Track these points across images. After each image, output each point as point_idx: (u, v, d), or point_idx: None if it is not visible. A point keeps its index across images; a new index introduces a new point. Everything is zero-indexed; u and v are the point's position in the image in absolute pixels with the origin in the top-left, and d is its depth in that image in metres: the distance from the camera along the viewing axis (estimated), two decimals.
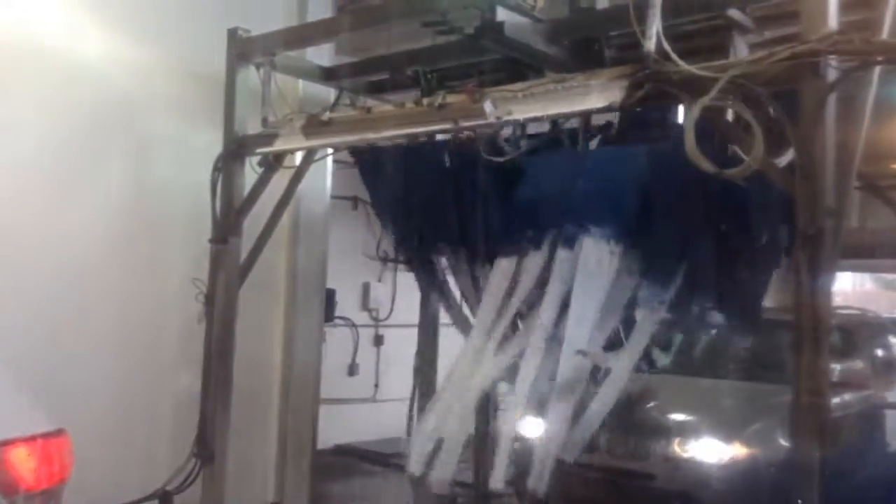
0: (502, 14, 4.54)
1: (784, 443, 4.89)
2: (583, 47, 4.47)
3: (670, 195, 4.09)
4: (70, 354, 4.96)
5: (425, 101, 3.93)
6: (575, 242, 4.21)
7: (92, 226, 5.15)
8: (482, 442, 5.62)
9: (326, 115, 4.31)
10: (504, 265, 4.47)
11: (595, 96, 3.54)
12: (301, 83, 6.01)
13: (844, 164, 3.26)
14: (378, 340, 9.07)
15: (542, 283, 4.31)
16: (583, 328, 4.06)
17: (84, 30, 5.08)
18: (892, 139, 4.14)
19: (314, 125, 4.36)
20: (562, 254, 4.24)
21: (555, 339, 4.14)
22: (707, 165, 3.21)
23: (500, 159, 4.19)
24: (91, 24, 5.11)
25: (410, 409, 6.07)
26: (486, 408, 5.22)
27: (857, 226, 7.34)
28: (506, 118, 3.69)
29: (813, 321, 3.07)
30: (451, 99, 3.86)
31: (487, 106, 3.66)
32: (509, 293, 4.40)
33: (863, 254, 7.34)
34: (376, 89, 5.72)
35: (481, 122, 3.71)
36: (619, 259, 4.07)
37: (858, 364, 6.23)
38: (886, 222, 6.63)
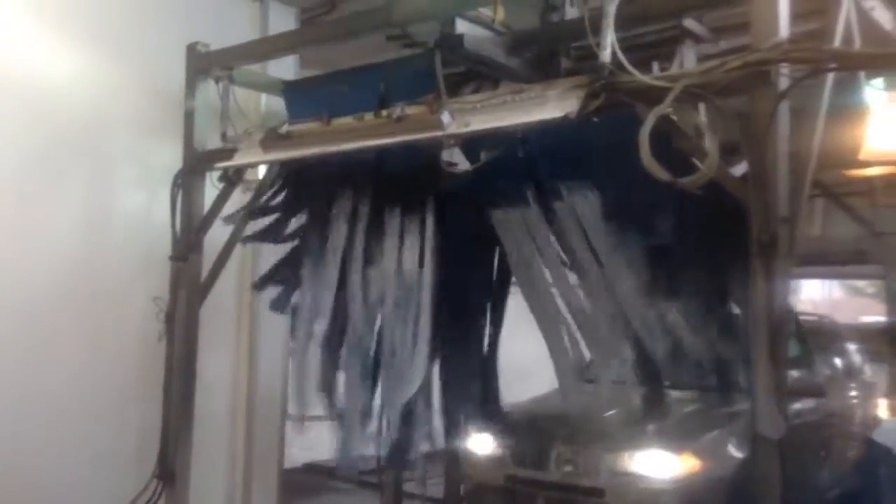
0: (463, 27, 4.56)
1: (738, 454, 4.88)
2: (543, 59, 4.48)
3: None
4: (33, 375, 4.86)
5: (384, 112, 3.90)
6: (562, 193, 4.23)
7: (53, 245, 5.05)
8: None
9: (284, 129, 4.26)
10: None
11: (552, 106, 3.53)
12: (264, 97, 5.98)
13: (799, 172, 3.28)
14: None
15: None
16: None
17: (44, 49, 5.01)
18: (847, 147, 4.17)
19: (272, 139, 4.32)
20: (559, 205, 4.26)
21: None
22: (662, 174, 3.21)
23: (458, 170, 4.16)
24: (51, 43, 5.04)
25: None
26: None
27: (819, 234, 7.45)
28: (463, 129, 3.67)
29: (769, 328, 3.07)
30: (410, 111, 3.84)
31: (445, 117, 3.64)
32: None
33: (826, 261, 7.46)
34: None
35: (438, 133, 3.69)
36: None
37: (814, 371, 6.23)
38: (848, 230, 6.74)
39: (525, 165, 4.42)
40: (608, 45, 3.41)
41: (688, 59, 3.97)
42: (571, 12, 4.47)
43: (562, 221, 4.33)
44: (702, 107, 3.55)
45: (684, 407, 5.45)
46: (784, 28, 3.13)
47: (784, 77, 3.08)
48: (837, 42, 3.45)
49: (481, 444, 5.46)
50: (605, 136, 3.82)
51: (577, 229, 4.24)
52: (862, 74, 3.88)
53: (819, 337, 6.72)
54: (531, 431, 5.44)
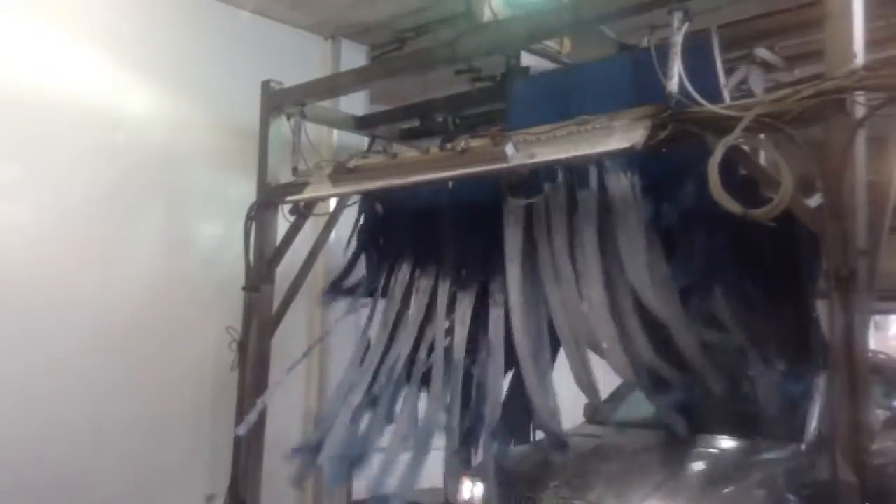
0: (529, 59, 4.59)
1: None
2: None
3: None
4: (111, 400, 5.05)
5: (449, 145, 3.93)
6: (589, 178, 3.91)
7: (131, 275, 5.26)
8: None
9: (353, 163, 4.34)
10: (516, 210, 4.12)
11: (618, 137, 3.49)
12: (336, 132, 6.12)
13: (878, 203, 3.15)
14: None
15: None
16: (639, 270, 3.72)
17: (123, 86, 5.27)
18: None
19: (341, 172, 4.40)
20: (582, 194, 3.95)
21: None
22: (733, 206, 3.13)
23: (524, 202, 4.08)
24: (130, 81, 5.30)
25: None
26: None
27: None
28: (527, 161, 3.66)
29: (848, 366, 2.93)
30: (475, 143, 3.86)
31: (509, 149, 3.64)
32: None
33: None
34: (409, 136, 5.79)
35: (503, 165, 3.69)
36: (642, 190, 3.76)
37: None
38: None
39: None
40: (675, 75, 3.37)
41: (756, 86, 3.87)
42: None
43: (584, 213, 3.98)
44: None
45: (710, 453, 4.66)
46: (859, 55, 3.02)
47: (860, 105, 2.97)
48: None
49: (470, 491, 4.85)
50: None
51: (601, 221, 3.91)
52: None
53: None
54: (520, 479, 4.66)
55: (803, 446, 4.53)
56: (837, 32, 3.08)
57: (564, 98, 4.09)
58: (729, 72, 3.82)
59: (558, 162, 3.73)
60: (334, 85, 5.42)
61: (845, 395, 2.94)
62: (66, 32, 5.04)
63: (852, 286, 2.92)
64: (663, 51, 3.46)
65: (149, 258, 5.38)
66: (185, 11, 5.57)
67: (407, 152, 4.18)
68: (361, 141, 6.13)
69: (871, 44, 3.10)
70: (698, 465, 4.56)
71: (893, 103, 3.05)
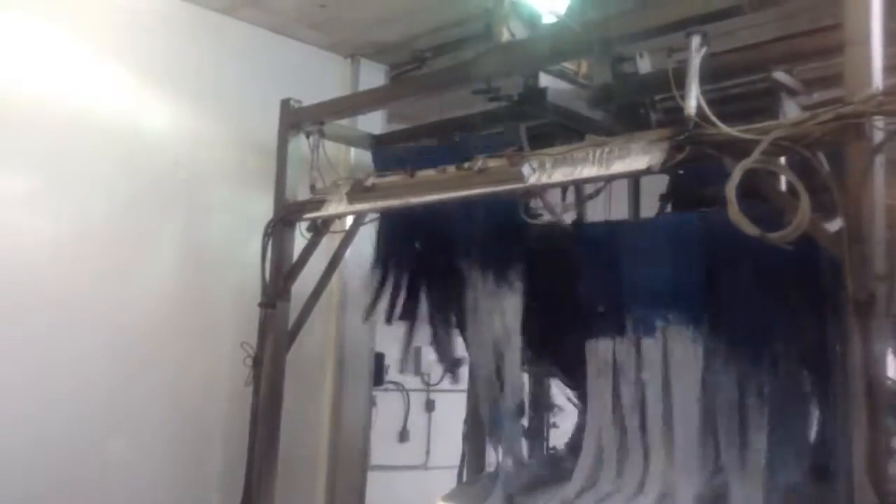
0: (546, 80, 4.61)
1: None
2: (627, 111, 4.46)
3: (735, 261, 3.78)
4: (125, 412, 5.08)
5: (466, 165, 3.95)
6: (655, 330, 3.91)
7: (147, 290, 5.31)
8: None
9: (370, 181, 4.36)
10: (600, 349, 4.13)
11: (635, 158, 3.49)
12: (353, 150, 6.16)
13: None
14: (429, 405, 8.97)
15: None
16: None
17: (142, 101, 5.34)
18: None
19: (358, 190, 4.42)
20: (646, 342, 3.95)
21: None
22: (751, 228, 3.12)
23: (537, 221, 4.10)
24: (149, 97, 5.37)
25: (459, 477, 5.93)
26: None
27: None
28: (544, 181, 3.67)
29: (868, 394, 2.90)
30: (492, 163, 3.87)
31: (525, 169, 3.65)
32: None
33: None
34: None
35: (519, 185, 3.70)
36: (705, 346, 3.75)
37: None
38: None
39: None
40: (693, 97, 3.37)
41: (790, 112, 3.86)
42: (643, 65, 4.46)
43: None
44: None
45: None
46: (878, 80, 3.02)
47: (878, 130, 2.96)
48: None
49: None
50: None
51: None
52: None
53: None
54: None
55: None
56: (856, 58, 3.07)
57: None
58: (753, 94, 3.84)
59: (575, 182, 3.73)
60: (353, 104, 5.46)
61: (863, 426, 2.91)
62: (87, 47, 5.11)
63: (871, 311, 2.90)
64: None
65: (166, 273, 5.42)
66: (207, 29, 5.65)
67: (423, 171, 4.19)
68: None
69: (889, 69, 3.09)
70: None
71: None
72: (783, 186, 3.35)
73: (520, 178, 3.66)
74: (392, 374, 8.09)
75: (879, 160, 2.98)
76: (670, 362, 3.89)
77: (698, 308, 3.83)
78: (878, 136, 2.96)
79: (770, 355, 3.75)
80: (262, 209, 5.37)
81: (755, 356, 3.74)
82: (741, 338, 3.78)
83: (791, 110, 4.03)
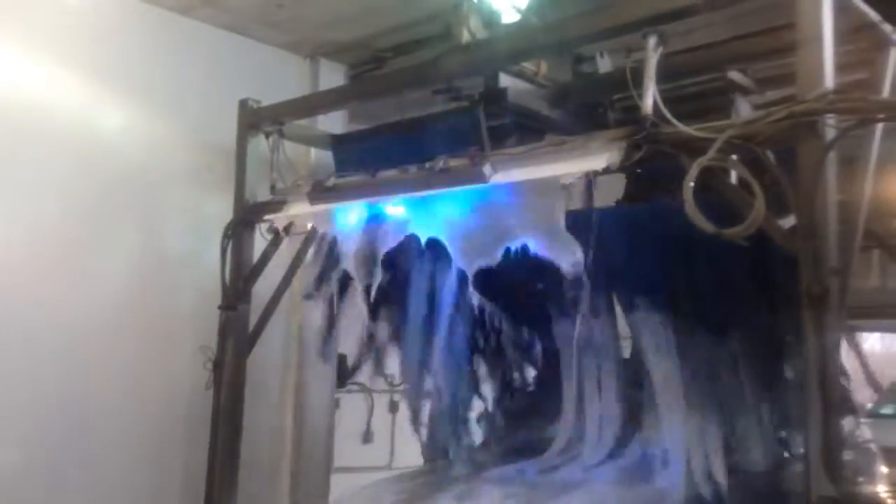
0: (506, 80, 4.62)
1: None
2: (586, 111, 4.51)
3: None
4: (82, 417, 4.99)
5: (427, 164, 3.95)
6: (633, 310, 4.09)
7: (104, 292, 5.23)
8: None
9: (331, 181, 4.35)
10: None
11: (594, 158, 3.53)
12: (313, 150, 6.11)
13: (850, 223, 3.21)
14: (393, 406, 8.94)
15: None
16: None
17: (98, 103, 5.24)
18: None
19: (319, 190, 4.40)
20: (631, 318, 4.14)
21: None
22: (706, 225, 3.17)
23: None
24: (106, 98, 5.28)
25: None
26: None
27: (878, 285, 7.20)
28: (505, 181, 3.70)
29: (821, 384, 2.97)
30: (453, 163, 3.89)
31: (487, 169, 3.67)
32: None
33: (885, 314, 7.18)
34: None
35: (481, 183, 3.72)
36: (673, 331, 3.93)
37: None
38: None
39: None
40: (650, 97, 3.42)
41: (742, 111, 3.93)
42: (602, 64, 4.51)
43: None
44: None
45: None
46: (829, 79, 3.09)
47: (831, 128, 3.03)
48: (886, 92, 3.39)
49: None
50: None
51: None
52: None
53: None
54: None
55: None
56: (809, 57, 3.14)
57: None
58: (707, 93, 3.91)
59: (534, 182, 3.76)
60: (312, 104, 5.43)
61: (817, 416, 2.97)
62: (40, 51, 5.01)
63: (825, 305, 2.97)
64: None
65: (124, 277, 5.33)
66: (163, 30, 5.57)
67: (385, 171, 4.19)
68: None
69: (841, 68, 3.17)
70: None
71: (863, 126, 3.13)
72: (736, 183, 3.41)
73: (482, 176, 3.68)
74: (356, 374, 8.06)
75: (831, 157, 3.05)
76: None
77: (663, 292, 3.99)
78: (831, 134, 3.03)
79: (730, 339, 3.92)
80: (222, 211, 5.31)
81: (715, 340, 3.92)
82: (703, 322, 3.94)
83: (745, 109, 4.12)
